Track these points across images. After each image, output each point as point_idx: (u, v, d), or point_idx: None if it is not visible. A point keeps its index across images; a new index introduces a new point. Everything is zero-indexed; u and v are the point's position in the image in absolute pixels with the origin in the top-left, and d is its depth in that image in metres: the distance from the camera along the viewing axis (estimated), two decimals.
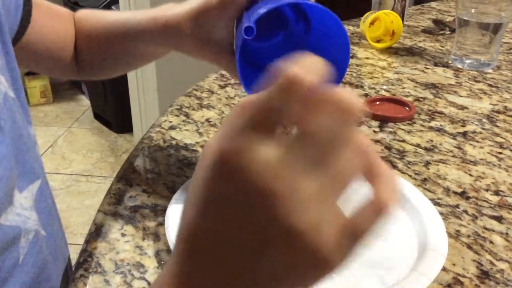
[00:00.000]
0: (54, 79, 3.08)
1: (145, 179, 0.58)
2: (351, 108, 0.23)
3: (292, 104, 0.23)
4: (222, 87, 0.83)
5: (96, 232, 0.49)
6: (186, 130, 0.70)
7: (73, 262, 0.56)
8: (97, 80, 0.69)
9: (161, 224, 0.50)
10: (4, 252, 0.41)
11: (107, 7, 2.41)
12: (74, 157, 2.46)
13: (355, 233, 0.25)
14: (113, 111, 2.62)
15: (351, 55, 0.99)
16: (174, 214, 0.48)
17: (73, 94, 3.15)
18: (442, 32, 1.13)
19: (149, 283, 0.43)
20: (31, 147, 0.48)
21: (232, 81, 0.86)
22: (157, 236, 0.49)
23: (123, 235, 0.49)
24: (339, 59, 0.47)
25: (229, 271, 0.25)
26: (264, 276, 0.24)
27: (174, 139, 0.67)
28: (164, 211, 0.52)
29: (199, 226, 0.25)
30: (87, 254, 0.46)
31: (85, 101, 3.04)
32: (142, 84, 2.16)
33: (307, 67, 0.23)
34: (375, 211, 0.25)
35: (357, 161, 0.25)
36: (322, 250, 0.24)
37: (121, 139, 2.62)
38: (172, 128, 0.70)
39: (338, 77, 0.49)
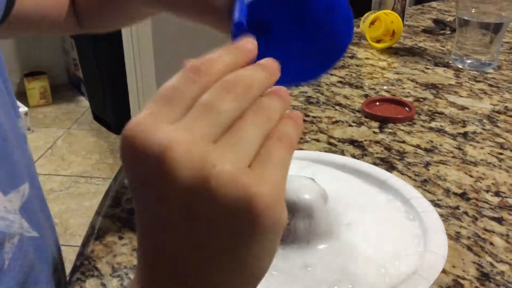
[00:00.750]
0: (54, 80, 3.08)
1: None
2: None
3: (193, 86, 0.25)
4: None
5: (93, 235, 0.49)
6: None
7: (71, 264, 0.56)
8: (98, 32, 0.66)
9: None
10: None
11: None
12: (74, 159, 2.46)
13: (268, 159, 0.24)
14: (113, 112, 2.62)
15: (351, 55, 0.98)
16: None
17: (72, 95, 3.14)
18: (442, 32, 1.13)
19: None
20: (19, 143, 0.47)
21: None
22: None
23: (120, 238, 0.49)
24: (342, 32, 0.45)
25: (170, 253, 0.24)
26: (203, 248, 0.24)
27: None
28: None
29: (136, 212, 0.26)
30: (84, 258, 0.46)
31: (84, 102, 3.04)
32: (142, 85, 2.16)
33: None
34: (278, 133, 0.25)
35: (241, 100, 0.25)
36: (238, 187, 0.22)
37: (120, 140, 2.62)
38: None
39: (340, 51, 0.47)
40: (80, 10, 0.62)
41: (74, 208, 2.08)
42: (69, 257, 1.81)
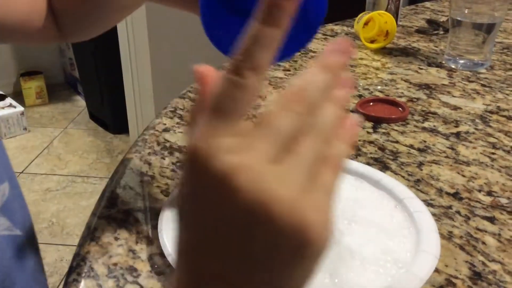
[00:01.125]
0: (50, 80, 3.08)
1: (139, 182, 0.58)
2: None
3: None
4: None
5: (89, 236, 0.49)
6: (180, 132, 0.70)
7: (68, 264, 0.56)
8: (84, 40, 0.62)
9: (155, 227, 0.50)
10: None
11: None
12: (70, 158, 2.46)
13: (321, 184, 0.25)
14: (109, 112, 2.62)
15: None
16: (168, 217, 0.49)
17: (69, 95, 3.14)
18: (436, 32, 1.13)
19: (142, 287, 0.43)
20: None
21: None
22: (150, 240, 0.49)
23: (116, 238, 0.49)
24: (315, 7, 0.44)
25: (223, 268, 0.25)
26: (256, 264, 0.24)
27: (168, 141, 0.67)
28: (157, 214, 0.52)
29: (183, 231, 0.26)
30: (80, 258, 0.46)
31: (80, 102, 3.04)
32: (138, 84, 2.16)
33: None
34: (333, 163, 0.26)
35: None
36: (295, 214, 0.23)
37: (117, 140, 2.62)
38: (166, 130, 0.70)
39: (314, 26, 0.47)
40: (58, 13, 0.56)
41: (71, 208, 2.08)
42: (66, 257, 1.82)
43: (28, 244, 0.52)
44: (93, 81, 2.59)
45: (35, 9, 0.54)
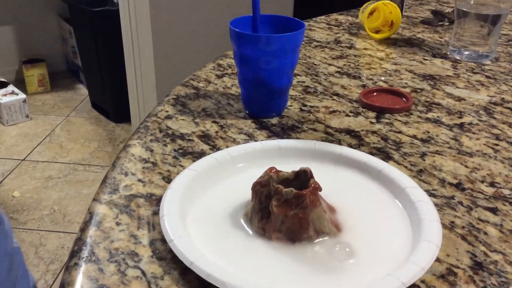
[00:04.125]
0: (52, 67, 3.07)
1: (141, 169, 0.58)
2: None
3: None
4: (219, 76, 0.83)
5: (91, 221, 0.49)
6: (183, 119, 0.69)
7: (68, 252, 0.56)
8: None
9: (156, 213, 0.50)
10: None
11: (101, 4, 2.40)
12: (72, 146, 2.46)
13: None
14: (111, 101, 2.61)
15: (349, 45, 0.98)
16: (170, 204, 0.48)
17: (71, 83, 3.14)
18: (441, 23, 1.13)
19: (143, 272, 0.43)
20: None
21: (229, 70, 0.85)
22: (152, 225, 0.49)
23: (117, 224, 0.49)
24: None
25: None
26: None
27: (170, 128, 0.67)
28: (159, 200, 0.52)
29: None
30: (81, 243, 0.46)
31: (82, 90, 3.03)
32: (140, 73, 2.15)
33: None
34: None
35: None
36: None
37: (118, 129, 2.62)
38: (168, 117, 0.70)
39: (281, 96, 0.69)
40: None
41: (73, 196, 2.09)
42: (67, 244, 1.83)
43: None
44: (95, 70, 2.58)
45: None
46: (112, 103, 2.62)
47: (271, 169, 0.49)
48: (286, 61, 0.65)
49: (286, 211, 0.46)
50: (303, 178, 0.48)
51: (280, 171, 0.49)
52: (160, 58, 2.13)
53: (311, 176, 0.48)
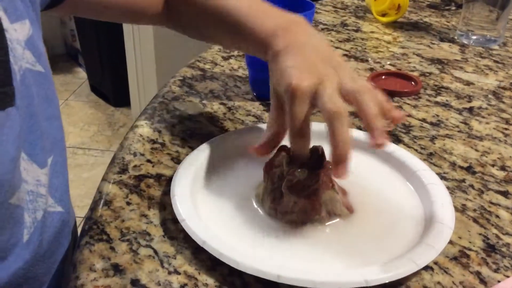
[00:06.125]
0: (51, 50, 3.05)
1: (149, 149, 0.57)
2: None
3: None
4: (225, 58, 0.82)
5: (101, 200, 0.49)
6: (190, 101, 0.69)
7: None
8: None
9: (167, 193, 0.50)
10: (6, 231, 0.39)
11: None
12: (71, 130, 2.45)
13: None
14: (110, 85, 2.60)
15: (355, 28, 0.97)
16: (181, 184, 0.48)
17: (70, 67, 3.12)
18: (447, 7, 1.11)
19: (155, 251, 0.43)
20: (55, 118, 0.46)
21: (235, 53, 0.84)
22: (163, 205, 0.48)
23: (128, 203, 0.49)
24: None
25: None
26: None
27: (178, 109, 0.66)
28: (169, 181, 0.51)
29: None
30: (92, 222, 0.46)
31: (81, 74, 3.01)
32: (140, 57, 2.14)
33: None
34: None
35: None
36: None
37: (118, 113, 2.60)
38: (175, 99, 0.69)
39: None
40: (174, 10, 0.62)
41: (72, 179, 2.08)
42: None
43: (71, 219, 0.53)
44: (95, 53, 2.56)
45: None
46: (111, 87, 2.60)
47: (282, 148, 0.48)
48: None
49: (298, 192, 0.45)
50: (315, 156, 0.48)
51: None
52: (160, 41, 2.11)
53: (323, 154, 0.48)
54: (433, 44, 0.91)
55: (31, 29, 0.42)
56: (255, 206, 0.49)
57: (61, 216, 0.46)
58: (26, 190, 0.41)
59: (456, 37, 0.94)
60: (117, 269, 0.41)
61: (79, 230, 0.50)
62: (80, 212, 1.73)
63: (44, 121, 0.44)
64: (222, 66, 0.79)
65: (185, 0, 0.59)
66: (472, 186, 0.53)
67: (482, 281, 0.42)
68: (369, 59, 0.84)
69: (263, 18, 0.51)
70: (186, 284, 0.40)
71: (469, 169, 0.56)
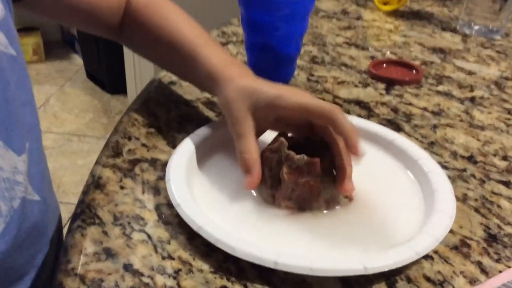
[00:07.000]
0: (47, 36, 3.02)
1: (145, 133, 0.56)
2: None
3: None
4: (223, 44, 0.81)
5: (94, 184, 0.48)
6: (187, 85, 0.67)
7: (64, 221, 0.54)
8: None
9: (161, 178, 0.49)
10: None
11: None
12: (66, 117, 2.43)
13: None
14: (106, 72, 2.57)
15: (357, 16, 0.96)
16: (176, 168, 0.47)
17: (66, 53, 3.09)
18: None
19: (149, 236, 0.42)
20: (29, 104, 0.45)
21: (234, 38, 0.83)
22: (157, 190, 0.47)
23: (122, 187, 0.47)
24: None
25: None
26: None
27: (174, 94, 0.65)
28: (164, 165, 0.50)
29: None
30: (84, 205, 0.45)
31: (77, 60, 2.98)
32: None
33: None
34: None
35: None
36: None
37: (114, 100, 2.58)
38: (172, 83, 0.68)
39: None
40: (126, 28, 0.61)
41: (67, 166, 2.07)
42: (62, 214, 1.81)
43: (51, 208, 0.52)
44: (91, 40, 2.53)
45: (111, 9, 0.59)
46: (107, 74, 2.58)
47: (282, 134, 0.47)
48: (296, 28, 0.63)
49: (297, 178, 0.44)
50: (313, 142, 0.46)
51: (291, 137, 0.48)
52: None
53: (323, 141, 0.46)
54: (435, 33, 0.90)
55: (3, 10, 0.41)
56: (252, 192, 0.48)
57: (39, 205, 0.45)
58: (2, 178, 0.39)
59: (458, 27, 0.92)
60: (110, 254, 0.40)
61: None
62: (75, 199, 1.72)
63: (19, 106, 0.42)
64: None
65: (138, 22, 0.58)
66: (473, 175, 0.52)
67: (483, 271, 0.41)
68: (370, 47, 0.82)
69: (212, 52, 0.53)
70: (180, 270, 0.39)
71: (470, 159, 0.55)
